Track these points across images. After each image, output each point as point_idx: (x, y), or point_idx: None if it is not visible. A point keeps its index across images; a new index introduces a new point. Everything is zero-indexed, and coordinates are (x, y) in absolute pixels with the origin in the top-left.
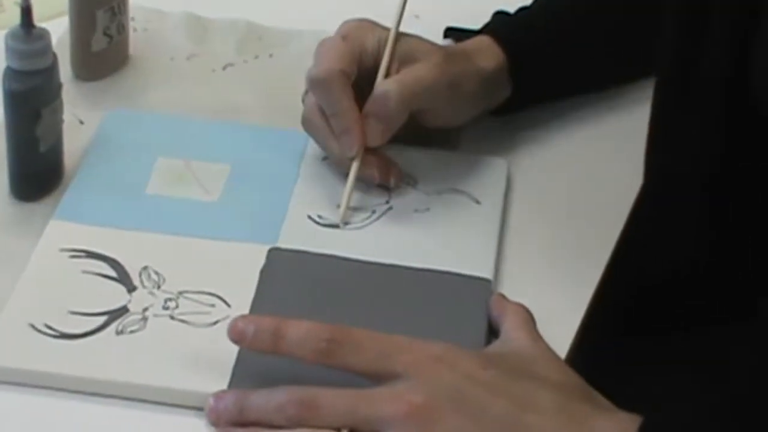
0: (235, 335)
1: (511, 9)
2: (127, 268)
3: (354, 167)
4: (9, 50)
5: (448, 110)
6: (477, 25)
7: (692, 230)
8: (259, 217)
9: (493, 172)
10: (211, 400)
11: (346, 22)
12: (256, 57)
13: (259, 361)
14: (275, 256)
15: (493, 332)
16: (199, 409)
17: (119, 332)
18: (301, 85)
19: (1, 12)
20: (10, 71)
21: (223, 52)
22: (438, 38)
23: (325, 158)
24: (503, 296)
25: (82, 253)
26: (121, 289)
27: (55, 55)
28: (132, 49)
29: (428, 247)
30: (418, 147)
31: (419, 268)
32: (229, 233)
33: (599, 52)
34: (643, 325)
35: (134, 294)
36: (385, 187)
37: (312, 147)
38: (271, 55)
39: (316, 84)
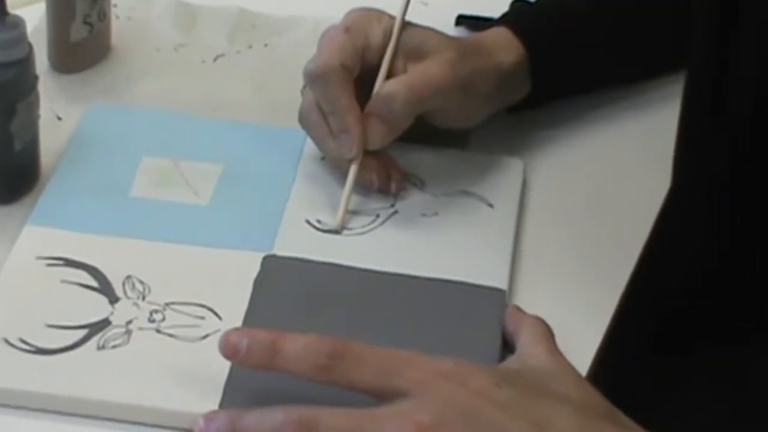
0: (227, 350)
1: None
2: (110, 277)
3: (353, 170)
4: None
5: (460, 112)
6: (491, 12)
7: (726, 236)
8: (253, 221)
9: (507, 173)
10: (201, 421)
11: (350, 12)
12: (250, 47)
13: (253, 377)
14: (270, 264)
15: (507, 347)
16: (188, 430)
17: (101, 347)
18: (299, 78)
19: None
20: None
21: (213, 41)
22: (449, 27)
23: (323, 158)
24: (519, 308)
25: (60, 261)
26: (102, 300)
27: (30, 45)
28: (114, 38)
29: (437, 254)
30: (426, 145)
31: (427, 277)
32: (220, 239)
33: (626, 45)
34: (671, 339)
35: (117, 305)
36: (389, 192)
37: (311, 146)
38: (266, 45)
39: (313, 79)
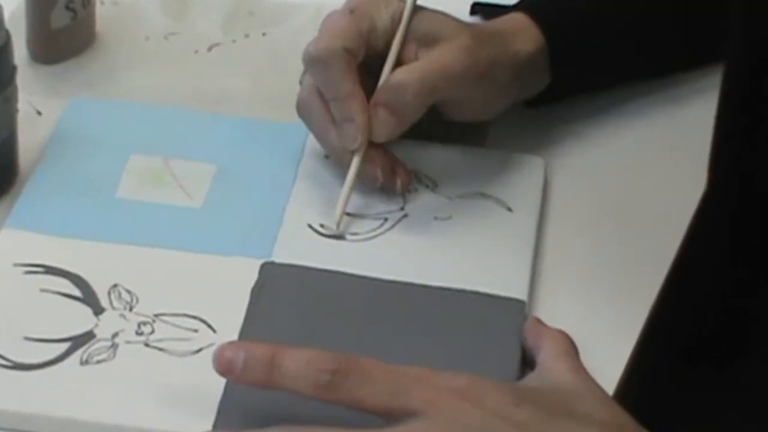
0: (222, 365)
1: None
2: (94, 286)
3: (355, 162)
4: None
5: (476, 103)
6: (509, 0)
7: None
8: (250, 225)
9: (527, 173)
10: None
11: None
12: (247, 36)
13: (250, 396)
14: (269, 272)
15: (527, 363)
16: None
17: (84, 362)
18: (300, 69)
19: None
20: None
21: (207, 30)
22: (463, 16)
23: (328, 156)
24: (539, 320)
25: (40, 269)
26: (86, 311)
27: (7, 33)
28: (99, 26)
29: (450, 262)
30: (438, 142)
31: (439, 287)
32: (214, 245)
33: (655, 34)
34: (705, 354)
35: (102, 317)
36: (394, 191)
37: (313, 143)
38: (264, 34)
39: (313, 63)
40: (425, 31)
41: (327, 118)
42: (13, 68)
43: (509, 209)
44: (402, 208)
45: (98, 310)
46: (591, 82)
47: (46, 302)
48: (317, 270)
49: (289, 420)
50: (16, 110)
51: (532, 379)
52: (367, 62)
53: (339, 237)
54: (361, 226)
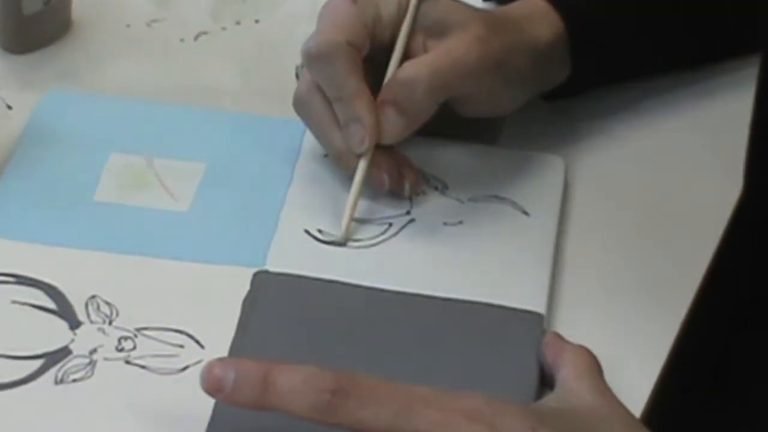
0: (211, 384)
1: None
2: (70, 297)
3: (362, 166)
4: None
5: (490, 97)
6: None
7: None
8: (242, 231)
9: (545, 174)
10: None
11: None
12: (238, 23)
13: (241, 417)
14: (262, 282)
15: (546, 382)
16: None
17: (59, 381)
18: (295, 61)
19: None
20: None
21: (194, 16)
22: (476, 1)
23: (326, 155)
24: (559, 335)
25: (11, 278)
26: (61, 324)
27: None
28: (75, 12)
29: (461, 271)
30: (448, 140)
31: (449, 298)
32: (202, 253)
33: (686, 21)
34: (739, 374)
35: (79, 331)
36: (402, 194)
37: (310, 141)
38: (257, 21)
39: (314, 59)
40: (435, 19)
41: (329, 118)
42: None
43: (526, 213)
44: (408, 212)
45: (74, 324)
46: (615, 73)
47: (18, 315)
48: (315, 280)
49: None
50: None
51: (551, 399)
52: (371, 56)
53: (339, 243)
54: (364, 232)
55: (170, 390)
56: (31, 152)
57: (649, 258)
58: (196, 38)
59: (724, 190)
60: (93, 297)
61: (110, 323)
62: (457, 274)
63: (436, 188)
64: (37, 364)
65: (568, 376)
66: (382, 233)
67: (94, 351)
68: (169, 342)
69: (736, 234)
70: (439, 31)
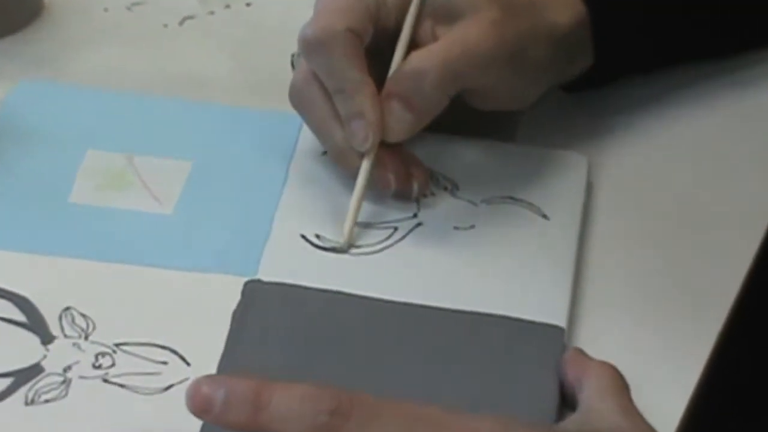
0: (198, 405)
1: None
2: (42, 309)
3: (365, 166)
4: None
5: (505, 89)
6: None
7: None
8: (232, 236)
9: (566, 173)
10: None
11: None
12: (227, 6)
13: None
14: (254, 292)
15: (567, 403)
16: None
17: (30, 401)
18: (290, 48)
19: None
20: None
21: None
22: None
23: (325, 153)
24: (582, 351)
25: None
26: (32, 339)
27: None
28: None
29: (473, 280)
30: (459, 136)
31: (460, 310)
32: (188, 260)
33: (720, 5)
34: None
35: (51, 347)
36: (409, 196)
37: (307, 136)
38: (248, 5)
39: (312, 47)
40: (445, 3)
41: (329, 112)
42: None
43: (545, 216)
44: (415, 215)
45: (47, 339)
46: (643, 62)
47: None
48: (312, 290)
49: None
50: None
51: (572, 421)
52: (375, 44)
53: (339, 250)
54: (366, 238)
55: (153, 411)
56: None
57: (680, 266)
58: (181, 23)
59: (764, 189)
60: (67, 309)
61: (86, 338)
62: (468, 283)
63: (446, 189)
64: (6, 382)
65: (592, 396)
66: (387, 239)
67: (68, 368)
68: (151, 358)
69: None
70: (449, 16)
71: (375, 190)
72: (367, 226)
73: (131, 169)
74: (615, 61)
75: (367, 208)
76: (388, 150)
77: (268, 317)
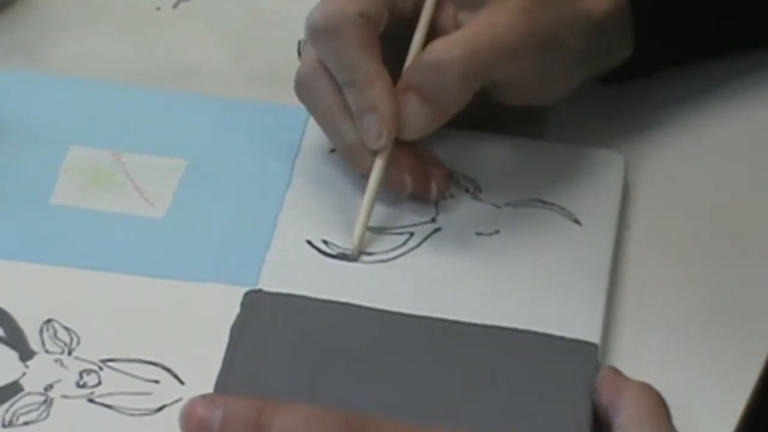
0: (193, 427)
1: None
2: (21, 322)
3: (378, 166)
4: None
5: (535, 81)
6: None
7: None
8: (231, 242)
9: (601, 174)
10: None
11: None
12: None
13: None
14: (255, 303)
15: (601, 427)
16: None
17: (7, 423)
18: (297, 34)
19: None
20: None
21: None
22: None
23: (333, 150)
24: (617, 371)
25: None
26: (10, 355)
27: None
28: None
29: (497, 292)
30: (483, 133)
31: (482, 325)
32: (182, 269)
33: None
34: None
35: (31, 363)
36: (427, 198)
37: (314, 131)
38: None
39: (321, 34)
40: None
41: (339, 105)
42: None
43: (577, 222)
44: (433, 220)
45: (27, 355)
46: (687, 51)
47: None
48: (319, 301)
49: None
50: None
51: None
52: (390, 31)
53: (349, 258)
54: (379, 244)
55: None
56: None
57: (727, 277)
58: (175, 6)
59: None
60: (49, 321)
61: (70, 353)
62: (491, 295)
63: (467, 191)
64: None
65: (628, 421)
66: (402, 245)
67: (49, 387)
68: (141, 376)
69: None
70: (473, 1)
71: (389, 192)
72: (380, 231)
73: (119, 168)
74: (656, 52)
75: (381, 211)
76: (403, 148)
77: (270, 331)
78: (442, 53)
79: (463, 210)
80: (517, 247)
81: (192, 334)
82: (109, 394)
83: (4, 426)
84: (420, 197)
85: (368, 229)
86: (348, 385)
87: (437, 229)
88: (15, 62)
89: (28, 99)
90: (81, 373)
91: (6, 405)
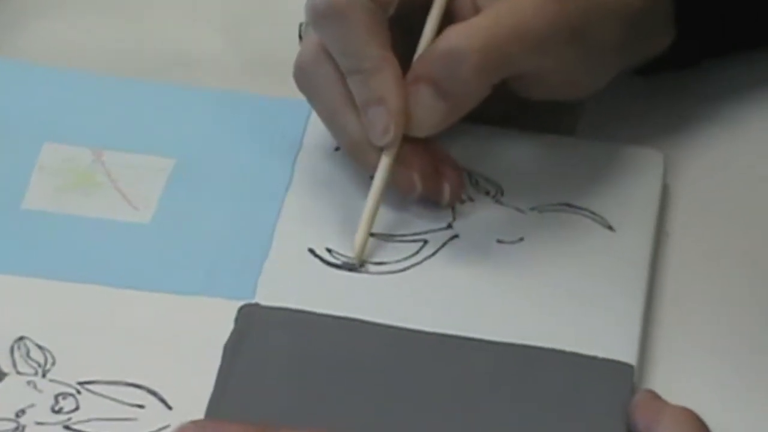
0: None
1: None
2: None
3: (384, 164)
4: None
5: (564, 74)
6: None
7: None
8: (224, 251)
9: (637, 175)
10: None
11: None
12: None
13: None
14: (250, 318)
15: None
16: None
17: None
18: (296, 19)
19: None
20: None
21: None
22: None
23: (338, 148)
24: (655, 394)
25: None
26: None
27: None
28: None
29: (521, 306)
30: (506, 129)
31: (505, 343)
32: (170, 280)
33: None
34: None
35: (1, 386)
36: (439, 201)
37: (317, 127)
38: None
39: (324, 18)
40: None
41: (342, 96)
42: None
43: (610, 228)
44: (450, 226)
45: None
46: (732, 41)
47: None
48: (322, 316)
49: None
50: None
51: None
52: (401, 15)
53: (353, 268)
54: (390, 252)
55: None
56: None
57: None
58: None
59: None
60: (20, 339)
61: (44, 375)
62: (515, 310)
63: (488, 194)
64: None
65: None
66: (415, 254)
67: (21, 413)
68: (124, 401)
69: None
70: None
71: (398, 194)
72: (390, 238)
73: (99, 168)
74: (699, 39)
75: (392, 215)
76: (413, 145)
77: (267, 350)
78: (457, 41)
79: (483, 215)
80: (544, 256)
81: (181, 353)
82: (88, 420)
83: None
84: (431, 200)
85: (377, 235)
86: (353, 410)
87: (454, 236)
88: None
89: None
90: (56, 397)
91: None
